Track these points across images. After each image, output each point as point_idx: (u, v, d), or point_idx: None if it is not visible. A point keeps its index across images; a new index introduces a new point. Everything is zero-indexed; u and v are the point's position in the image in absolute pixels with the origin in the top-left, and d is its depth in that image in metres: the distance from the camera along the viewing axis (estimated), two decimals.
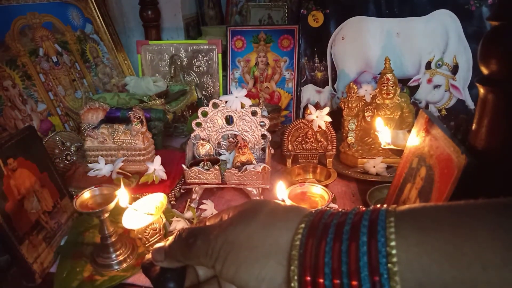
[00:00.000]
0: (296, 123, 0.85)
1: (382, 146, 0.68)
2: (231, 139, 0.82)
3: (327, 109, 0.83)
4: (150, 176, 0.72)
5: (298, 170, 0.84)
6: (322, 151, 0.86)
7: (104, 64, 1.17)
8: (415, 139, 0.58)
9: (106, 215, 0.57)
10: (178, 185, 0.76)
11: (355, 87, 0.91)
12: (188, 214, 0.71)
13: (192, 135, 0.79)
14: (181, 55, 1.17)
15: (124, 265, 0.59)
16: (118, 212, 0.62)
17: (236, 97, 0.74)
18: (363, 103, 0.92)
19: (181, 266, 0.30)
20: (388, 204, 0.24)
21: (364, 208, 0.24)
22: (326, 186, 0.70)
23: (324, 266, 0.22)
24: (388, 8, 1.03)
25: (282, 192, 0.55)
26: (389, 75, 0.83)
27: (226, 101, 0.75)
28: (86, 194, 0.60)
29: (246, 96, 0.74)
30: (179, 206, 0.75)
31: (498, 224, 0.20)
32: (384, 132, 0.68)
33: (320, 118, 0.82)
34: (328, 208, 0.26)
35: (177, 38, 1.33)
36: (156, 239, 0.60)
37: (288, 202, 0.54)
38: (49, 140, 0.78)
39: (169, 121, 0.95)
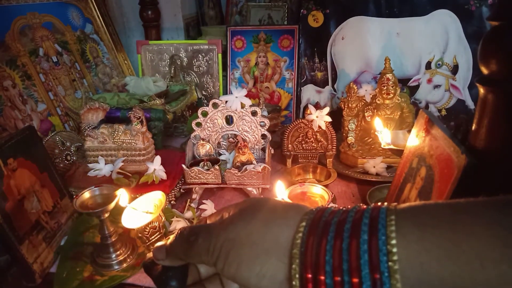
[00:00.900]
0: (296, 123, 0.85)
1: (382, 146, 0.68)
2: (231, 139, 0.82)
3: (327, 109, 0.83)
4: (150, 176, 0.72)
5: (298, 170, 0.84)
6: (322, 151, 0.86)
7: (104, 64, 1.17)
8: (415, 139, 0.58)
9: (106, 215, 0.57)
10: (178, 185, 0.76)
11: (355, 87, 0.91)
12: (188, 214, 0.71)
13: (192, 135, 0.79)
14: (181, 55, 1.17)
15: (124, 265, 0.59)
16: (118, 212, 0.62)
17: (236, 97, 0.74)
18: (363, 103, 0.92)
19: (183, 264, 0.30)
20: (389, 204, 0.24)
21: (364, 206, 0.25)
22: (326, 186, 0.70)
23: (325, 264, 0.22)
24: (388, 8, 1.03)
25: (281, 192, 0.55)
26: (389, 75, 0.84)
27: (226, 101, 0.75)
28: (86, 194, 0.60)
29: (246, 96, 0.74)
30: (179, 206, 0.75)
31: (497, 221, 0.20)
32: (384, 132, 0.68)
33: (320, 118, 0.82)
34: (328, 206, 0.26)
35: (177, 38, 1.33)
36: (156, 238, 0.60)
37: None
38: (49, 140, 0.78)
39: (169, 121, 0.95)
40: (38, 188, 0.62)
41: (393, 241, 0.21)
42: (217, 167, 0.73)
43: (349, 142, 0.86)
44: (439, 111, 1.03)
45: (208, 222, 0.31)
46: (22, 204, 0.58)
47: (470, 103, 1.00)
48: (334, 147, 0.85)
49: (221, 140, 0.81)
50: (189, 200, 0.75)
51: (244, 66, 1.17)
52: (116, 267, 0.59)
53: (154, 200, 0.59)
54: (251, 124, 0.77)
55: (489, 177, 0.45)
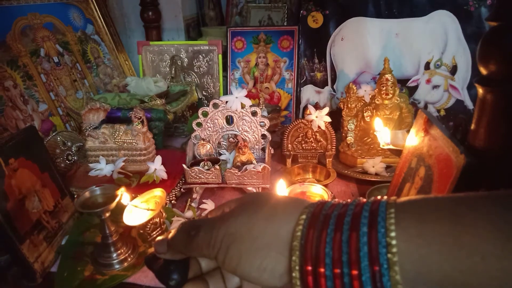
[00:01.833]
0: (296, 123, 0.85)
1: (381, 146, 0.69)
2: (231, 139, 0.82)
3: (326, 109, 0.83)
4: (150, 176, 0.72)
5: (298, 170, 0.84)
6: (322, 151, 0.86)
7: (105, 65, 1.17)
8: (414, 139, 0.58)
9: (107, 214, 0.58)
10: (178, 184, 0.76)
11: (355, 88, 0.92)
12: (189, 213, 0.71)
13: (193, 135, 0.79)
14: (181, 55, 1.17)
15: (125, 264, 0.59)
16: (119, 211, 0.62)
17: (236, 97, 0.74)
18: (362, 103, 0.92)
19: (184, 258, 0.31)
20: (388, 198, 0.24)
21: (364, 200, 0.25)
22: (325, 185, 0.70)
23: (325, 256, 0.22)
24: (387, 9, 1.03)
25: (282, 191, 0.56)
26: (388, 76, 0.84)
27: (226, 102, 0.75)
28: (87, 194, 0.60)
29: (246, 96, 0.75)
30: (179, 205, 0.75)
31: (498, 215, 0.20)
32: (383, 132, 0.69)
33: (320, 118, 0.82)
34: (328, 200, 0.27)
35: (178, 38, 1.33)
36: (157, 234, 0.61)
37: None
38: (50, 140, 0.78)
39: (170, 121, 0.95)
40: (39, 187, 0.63)
41: (393, 234, 0.21)
42: (217, 167, 0.73)
43: (348, 142, 0.87)
44: (438, 111, 1.03)
45: (209, 216, 0.31)
46: (23, 204, 0.58)
47: (469, 103, 1.00)
48: (334, 147, 0.85)
49: (221, 140, 0.81)
50: (189, 199, 0.75)
51: (244, 67, 1.17)
52: (117, 266, 0.59)
53: (155, 197, 0.59)
54: (251, 124, 0.77)
55: (488, 177, 0.46)
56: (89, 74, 1.11)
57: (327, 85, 1.11)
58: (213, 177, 0.73)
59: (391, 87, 0.84)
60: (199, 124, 0.79)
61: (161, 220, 0.60)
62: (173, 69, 1.16)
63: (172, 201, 0.74)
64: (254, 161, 0.75)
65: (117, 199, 0.57)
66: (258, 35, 1.15)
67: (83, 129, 0.82)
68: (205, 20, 1.49)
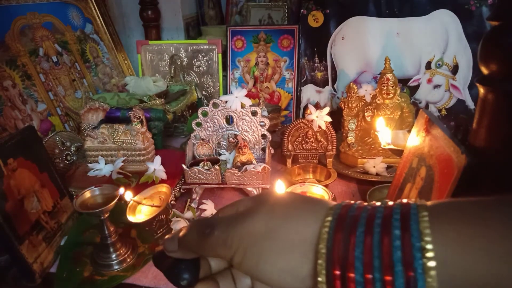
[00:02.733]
0: (296, 123, 0.85)
1: (382, 146, 0.69)
2: (231, 139, 0.82)
3: (327, 109, 0.83)
4: (150, 176, 0.72)
5: (298, 170, 0.84)
6: (322, 151, 0.86)
7: (104, 64, 1.17)
8: (415, 139, 0.58)
9: (106, 215, 0.57)
10: (178, 185, 0.76)
11: (355, 87, 0.91)
12: (188, 214, 0.71)
13: (192, 135, 0.79)
14: (181, 55, 1.17)
15: (124, 265, 0.59)
16: (119, 211, 0.62)
17: (236, 97, 0.74)
18: (363, 103, 0.92)
19: (195, 257, 0.29)
20: (417, 200, 0.24)
21: (391, 203, 0.24)
22: (326, 186, 0.70)
23: (355, 260, 0.21)
24: (388, 8, 1.03)
25: (281, 191, 0.55)
26: (389, 75, 0.84)
27: (226, 101, 0.75)
28: (86, 194, 0.60)
29: (246, 96, 0.74)
30: (179, 206, 0.75)
31: None
32: (384, 132, 0.68)
33: (320, 118, 0.82)
34: (353, 202, 0.25)
35: (177, 38, 1.33)
36: (163, 231, 0.60)
37: None
38: (49, 140, 0.78)
39: (169, 121, 0.95)
40: (38, 188, 0.62)
41: (427, 238, 0.20)
42: (217, 167, 0.73)
43: (349, 142, 0.86)
44: (439, 111, 1.03)
45: (220, 215, 0.30)
46: (22, 204, 0.58)
47: (470, 103, 1.00)
48: (334, 147, 0.85)
49: (221, 140, 0.81)
50: (189, 200, 0.75)
51: (244, 66, 1.17)
52: (116, 267, 0.59)
53: (159, 193, 0.58)
54: (251, 124, 0.77)
55: (489, 177, 0.45)
56: (88, 74, 1.11)
57: (328, 84, 1.11)
58: (213, 178, 0.73)
59: (392, 86, 0.84)
60: (198, 124, 0.78)
61: (167, 217, 0.59)
62: (173, 68, 1.16)
63: (172, 202, 0.73)
64: (254, 161, 0.75)
65: (116, 199, 0.57)
66: (258, 34, 1.14)
67: (82, 129, 0.82)
68: (204, 19, 1.48)
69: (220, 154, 0.80)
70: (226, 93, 1.07)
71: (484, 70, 0.44)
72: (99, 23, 1.17)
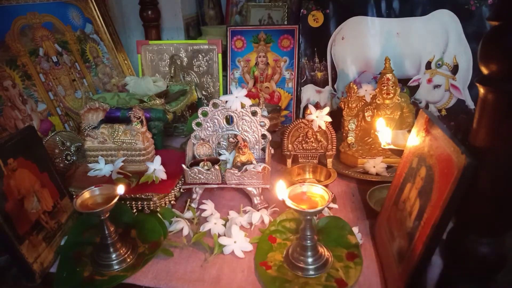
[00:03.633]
0: (296, 123, 0.85)
1: (382, 146, 0.69)
2: (231, 139, 0.82)
3: (327, 109, 0.83)
4: (150, 176, 0.72)
5: (298, 170, 0.84)
6: (322, 151, 0.86)
7: (104, 64, 1.17)
8: (415, 139, 0.58)
9: (106, 215, 0.57)
10: (178, 185, 0.76)
11: (355, 87, 0.91)
12: (188, 214, 0.71)
13: (192, 135, 0.79)
14: (181, 55, 1.17)
15: (124, 265, 0.59)
16: (119, 211, 0.62)
17: (236, 97, 0.74)
18: (363, 103, 0.92)
19: None
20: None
21: None
22: (326, 186, 0.70)
23: None
24: (388, 8, 1.03)
25: (282, 191, 0.55)
26: (389, 75, 0.84)
27: (226, 101, 0.75)
28: (86, 194, 0.60)
29: (246, 96, 0.74)
30: (179, 206, 0.75)
31: None
32: (384, 132, 0.68)
33: (320, 118, 0.82)
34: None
35: (177, 38, 1.33)
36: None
37: (288, 202, 0.54)
38: (49, 140, 0.78)
39: (169, 121, 0.95)
40: (38, 188, 0.62)
41: None
42: (217, 167, 0.72)
43: (349, 142, 0.86)
44: (439, 111, 1.03)
45: None
46: (22, 204, 0.58)
47: (470, 103, 1.00)
48: (334, 147, 0.85)
49: (221, 140, 0.81)
50: (189, 200, 0.75)
51: (244, 66, 1.17)
52: (116, 267, 0.59)
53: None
54: (251, 124, 0.77)
55: (489, 177, 0.45)
56: (88, 74, 1.11)
57: (328, 84, 1.11)
58: (213, 178, 0.73)
59: (392, 86, 0.84)
60: (198, 124, 0.78)
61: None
62: (173, 68, 1.16)
63: (172, 202, 0.73)
64: (254, 161, 0.75)
65: (116, 199, 0.57)
66: (258, 34, 1.14)
67: (82, 129, 0.82)
68: (204, 19, 1.48)
69: (220, 154, 0.80)
70: (226, 93, 1.07)
71: (484, 70, 0.44)
72: (99, 23, 1.17)
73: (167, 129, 1.06)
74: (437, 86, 1.02)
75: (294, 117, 1.14)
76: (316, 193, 0.57)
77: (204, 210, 0.71)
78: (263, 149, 0.79)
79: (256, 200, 0.74)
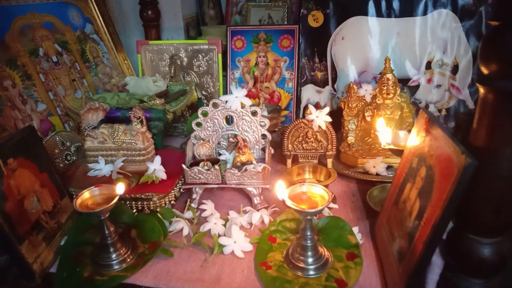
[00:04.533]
0: (296, 123, 0.85)
1: (382, 146, 0.68)
2: (231, 139, 0.82)
3: (327, 109, 0.83)
4: (150, 176, 0.72)
5: (298, 170, 0.84)
6: (322, 151, 0.86)
7: (104, 64, 1.17)
8: (415, 139, 0.58)
9: (106, 215, 0.57)
10: (178, 185, 0.76)
11: (355, 87, 0.91)
12: (188, 214, 0.71)
13: (192, 135, 0.79)
14: (181, 55, 1.17)
15: (124, 265, 0.59)
16: (118, 212, 0.62)
17: (236, 97, 0.74)
18: (363, 103, 0.92)
19: None
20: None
21: None
22: (326, 186, 0.70)
23: None
24: (388, 8, 1.03)
25: (282, 191, 0.55)
26: (389, 75, 0.83)
27: (226, 101, 0.75)
28: (86, 194, 0.60)
29: (246, 96, 0.74)
30: (179, 206, 0.75)
31: None
32: (384, 132, 0.68)
33: (320, 118, 0.82)
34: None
35: (177, 38, 1.33)
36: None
37: (288, 202, 0.54)
38: (49, 140, 0.78)
39: (169, 121, 0.95)
40: (38, 188, 0.62)
41: None
42: (217, 167, 0.72)
43: (349, 142, 0.86)
44: (439, 111, 1.03)
45: None
46: (22, 204, 0.58)
47: (470, 103, 1.00)
48: (334, 147, 0.85)
49: (221, 140, 0.81)
50: (189, 200, 0.75)
51: (244, 66, 1.17)
52: (116, 267, 0.59)
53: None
54: (251, 124, 0.77)
55: (489, 177, 0.45)
56: (88, 74, 1.11)
57: (328, 84, 1.11)
58: (213, 178, 0.73)
59: (392, 86, 0.84)
60: (198, 124, 0.78)
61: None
62: (173, 68, 1.16)
63: (172, 202, 0.73)
64: (254, 161, 0.75)
65: (116, 199, 0.57)
66: (258, 34, 1.14)
67: (82, 129, 0.82)
68: (204, 19, 1.48)
69: (220, 154, 0.80)
70: (226, 93, 1.07)
71: (484, 70, 0.44)
72: (99, 23, 1.17)
73: (167, 129, 1.06)
74: (437, 86, 1.02)
75: (294, 117, 1.14)
76: (316, 193, 0.57)
77: (204, 210, 0.71)
78: (263, 149, 0.79)
79: (256, 200, 0.74)
